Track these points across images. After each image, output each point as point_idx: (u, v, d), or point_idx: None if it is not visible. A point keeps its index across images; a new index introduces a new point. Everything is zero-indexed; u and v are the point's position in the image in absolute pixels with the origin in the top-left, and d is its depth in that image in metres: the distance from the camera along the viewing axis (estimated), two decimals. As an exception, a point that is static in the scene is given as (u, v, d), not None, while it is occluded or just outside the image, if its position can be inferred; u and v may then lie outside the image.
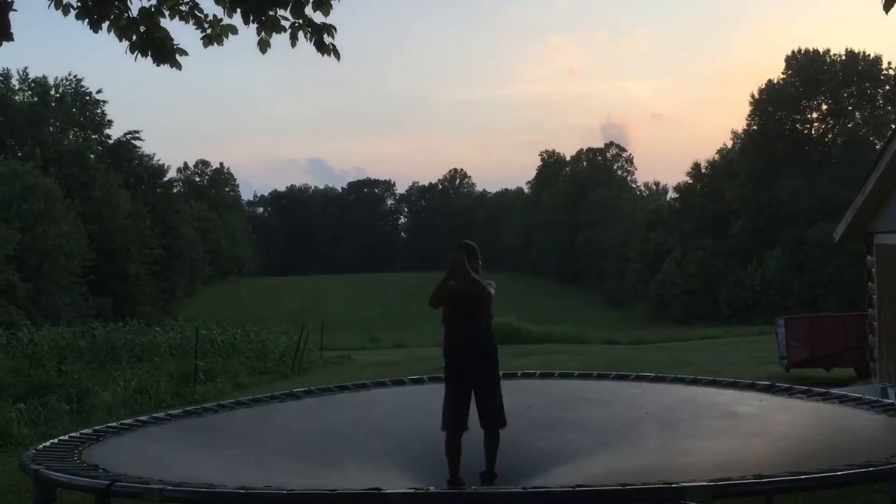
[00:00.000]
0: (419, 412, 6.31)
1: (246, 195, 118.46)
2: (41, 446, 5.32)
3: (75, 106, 68.38)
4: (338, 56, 5.89)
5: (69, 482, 4.27)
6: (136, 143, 72.65)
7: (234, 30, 5.98)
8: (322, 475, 4.20)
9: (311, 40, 5.83)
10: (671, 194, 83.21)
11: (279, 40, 5.89)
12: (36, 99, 65.40)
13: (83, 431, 5.94)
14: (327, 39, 5.83)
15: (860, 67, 62.59)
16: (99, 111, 70.05)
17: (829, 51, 63.84)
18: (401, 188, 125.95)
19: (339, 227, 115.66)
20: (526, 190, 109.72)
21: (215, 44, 5.98)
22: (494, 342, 5.29)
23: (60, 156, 61.63)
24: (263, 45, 5.89)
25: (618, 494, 3.69)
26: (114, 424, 6.38)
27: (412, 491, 3.66)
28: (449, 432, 4.93)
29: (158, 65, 5.87)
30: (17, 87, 65.92)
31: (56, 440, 5.58)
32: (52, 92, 66.72)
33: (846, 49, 63.48)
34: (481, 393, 5.09)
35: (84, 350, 20.42)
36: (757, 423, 5.79)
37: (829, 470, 3.78)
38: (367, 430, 5.73)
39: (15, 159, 55.50)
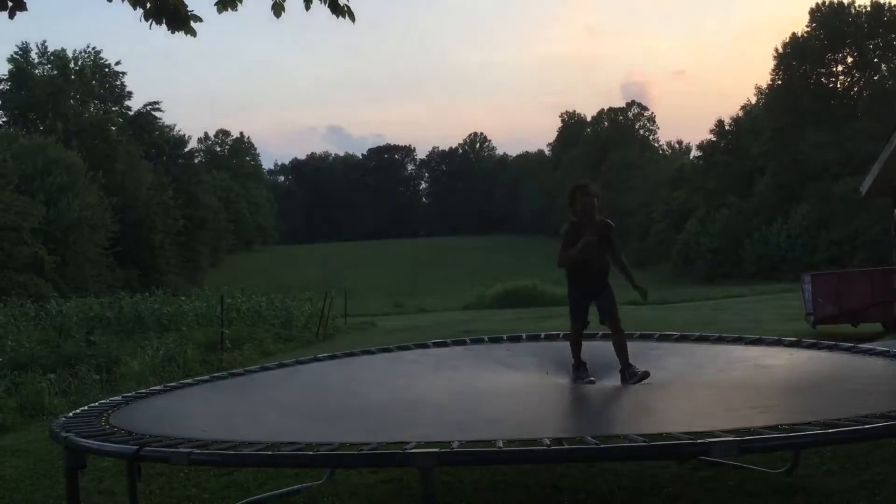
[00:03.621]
0: (444, 372, 6.34)
1: (266, 164, 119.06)
2: (71, 413, 5.39)
3: (95, 78, 68.58)
4: (353, 18, 5.82)
5: (99, 448, 4.32)
6: (157, 114, 73.01)
7: (247, -7, 5.91)
8: (348, 433, 4.23)
9: (325, 2, 5.77)
10: (694, 153, 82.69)
11: (293, 3, 5.83)
12: (56, 72, 65.63)
13: (112, 398, 6.01)
14: (342, 1, 5.77)
15: (886, 19, 61.34)
16: (118, 83, 70.35)
17: (853, 2, 62.70)
18: (421, 153, 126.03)
19: (360, 194, 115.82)
20: (547, 152, 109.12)
21: (229, 9, 5.91)
22: (607, 265, 6.08)
23: (82, 129, 61.97)
24: (277, 9, 5.83)
25: (644, 450, 3.68)
26: (143, 391, 6.47)
27: (436, 451, 3.67)
28: (574, 326, 6.11)
29: (173, 32, 5.82)
30: (36, 60, 66.21)
31: (86, 407, 5.65)
32: (72, 65, 66.93)
33: (871, 0, 62.26)
34: (598, 298, 6.04)
35: (112, 320, 20.64)
36: (784, 375, 5.76)
37: (858, 423, 3.75)
38: (393, 388, 5.76)
39: (37, 133, 55.85)
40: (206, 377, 7.12)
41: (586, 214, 5.95)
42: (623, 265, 6.17)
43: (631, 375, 5.69)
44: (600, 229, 5.95)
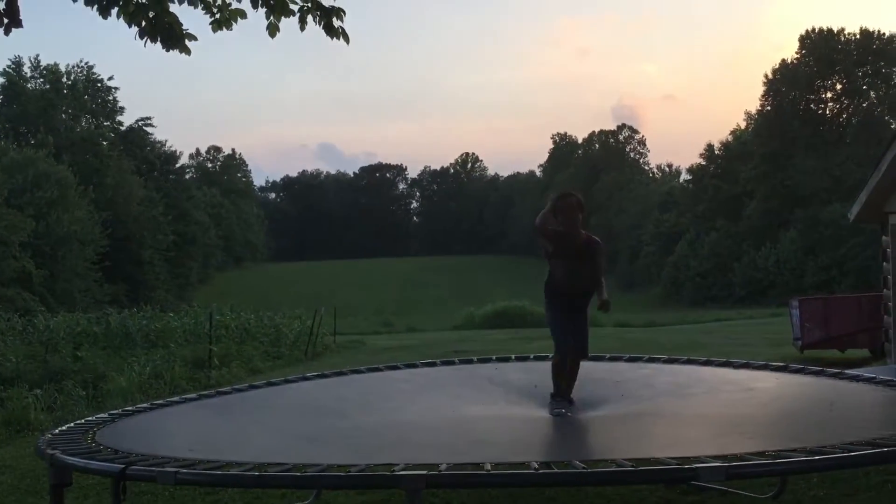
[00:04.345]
0: (433, 393, 6.34)
1: (258, 181, 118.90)
2: (57, 430, 5.36)
3: (87, 93, 68.60)
4: (347, 39, 5.86)
5: (84, 466, 4.30)
6: (148, 129, 73.03)
7: (242, 14, 5.95)
8: (336, 453, 4.22)
9: (319, 24, 5.81)
10: (684, 176, 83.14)
11: (288, 24, 5.87)
12: (48, 86, 65.65)
13: (98, 415, 5.98)
14: (336, 23, 5.81)
15: (875, 46, 62.02)
16: (111, 98, 70.39)
17: (843, 30, 63.43)
18: (413, 172, 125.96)
19: (351, 212, 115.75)
20: (538, 173, 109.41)
21: (224, 28, 5.95)
22: (591, 286, 5.82)
23: (73, 143, 61.90)
24: (272, 30, 5.87)
25: (632, 475, 3.69)
26: (129, 408, 6.43)
27: (424, 473, 3.67)
28: (559, 356, 5.84)
29: (168, 50, 5.86)
30: (29, 74, 66.31)
31: (72, 424, 5.62)
32: (64, 79, 66.98)
33: (861, 28, 63.08)
34: (573, 325, 5.85)
35: (99, 336, 20.51)
36: (771, 401, 5.78)
37: (844, 450, 3.77)
38: (381, 409, 5.75)
39: (28, 147, 55.74)
40: (193, 395, 7.10)
41: (569, 227, 5.67)
42: (600, 286, 5.79)
43: (558, 405, 5.64)
44: (585, 246, 5.70)
